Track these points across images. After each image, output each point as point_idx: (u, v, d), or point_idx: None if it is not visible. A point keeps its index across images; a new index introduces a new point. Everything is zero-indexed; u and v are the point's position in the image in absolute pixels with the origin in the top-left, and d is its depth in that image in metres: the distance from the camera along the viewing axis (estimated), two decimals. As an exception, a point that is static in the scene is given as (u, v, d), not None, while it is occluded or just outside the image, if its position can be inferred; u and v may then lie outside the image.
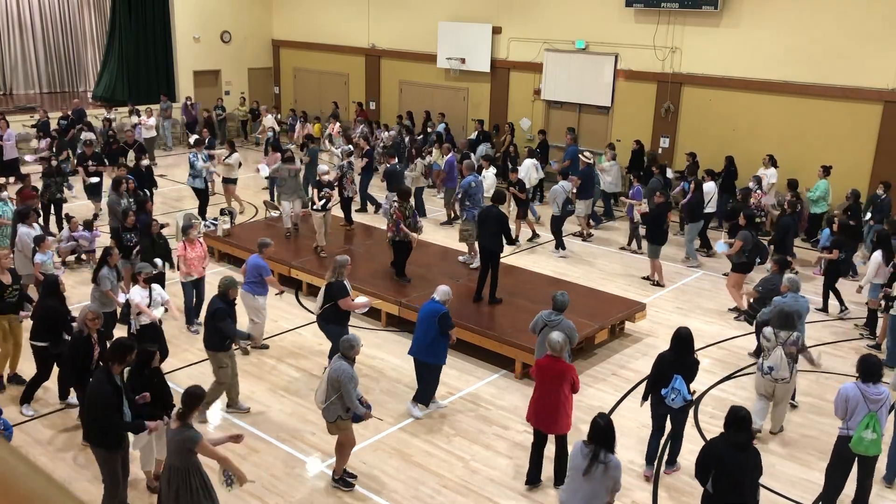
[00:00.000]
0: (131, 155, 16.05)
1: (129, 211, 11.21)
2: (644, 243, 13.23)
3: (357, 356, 7.05)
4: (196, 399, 5.93)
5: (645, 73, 17.39)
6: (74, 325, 8.21)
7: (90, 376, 7.53)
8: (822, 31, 15.00)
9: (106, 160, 15.50)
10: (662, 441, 7.65)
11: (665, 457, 7.73)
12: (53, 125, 19.74)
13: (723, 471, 5.80)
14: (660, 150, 17.35)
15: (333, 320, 8.70)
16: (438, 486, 7.33)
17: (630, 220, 14.45)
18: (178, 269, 10.32)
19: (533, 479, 7.33)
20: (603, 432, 5.72)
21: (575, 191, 14.20)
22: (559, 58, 18.61)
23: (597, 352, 10.22)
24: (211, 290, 10.11)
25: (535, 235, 14.82)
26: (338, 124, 20.40)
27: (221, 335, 8.05)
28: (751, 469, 5.78)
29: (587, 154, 15.50)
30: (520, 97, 19.69)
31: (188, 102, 22.23)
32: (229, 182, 15.55)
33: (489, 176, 14.53)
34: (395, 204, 11.10)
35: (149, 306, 8.41)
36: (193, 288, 10.36)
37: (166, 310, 8.80)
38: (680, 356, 7.25)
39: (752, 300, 9.89)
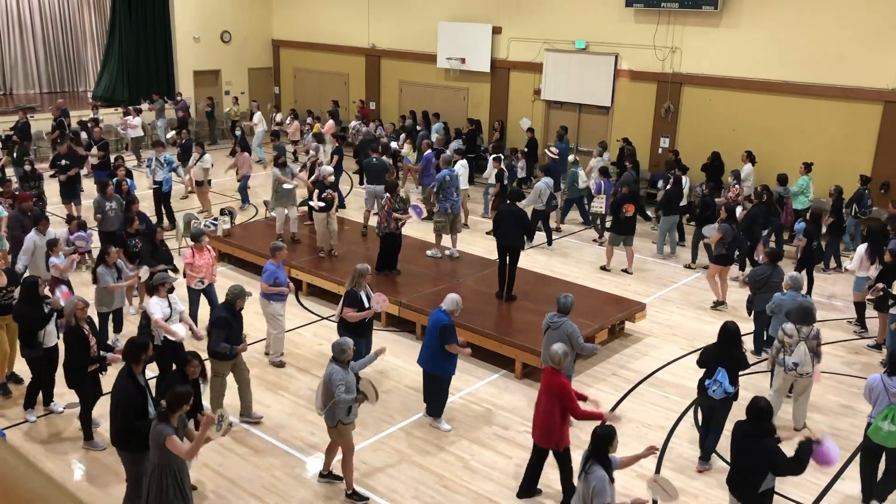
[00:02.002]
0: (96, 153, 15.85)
1: (132, 216, 10.94)
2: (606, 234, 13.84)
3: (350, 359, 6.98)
4: (179, 399, 5.75)
5: (645, 73, 17.38)
6: (61, 320, 8.19)
7: (87, 372, 7.51)
8: (822, 31, 15.00)
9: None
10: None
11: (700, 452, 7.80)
12: (39, 127, 19.55)
13: (733, 451, 6.16)
14: (660, 150, 17.36)
15: (344, 329, 8.63)
16: (438, 486, 7.33)
17: (593, 214, 15.05)
18: (185, 277, 10.03)
19: (522, 492, 7.19)
20: (596, 441, 5.64)
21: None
22: (559, 58, 18.61)
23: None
24: (222, 296, 10.11)
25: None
26: (330, 122, 20.34)
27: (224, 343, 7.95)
28: (755, 459, 5.91)
29: (553, 150, 16.16)
30: (520, 97, 19.69)
31: (178, 98, 21.95)
32: (200, 184, 15.42)
33: (460, 168, 14.74)
34: (387, 196, 11.47)
35: (169, 318, 8.17)
36: (202, 295, 10.09)
37: (191, 330, 8.53)
38: (726, 350, 7.33)
39: (750, 296, 10.04)
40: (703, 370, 7.50)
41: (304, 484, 7.35)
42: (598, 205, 14.51)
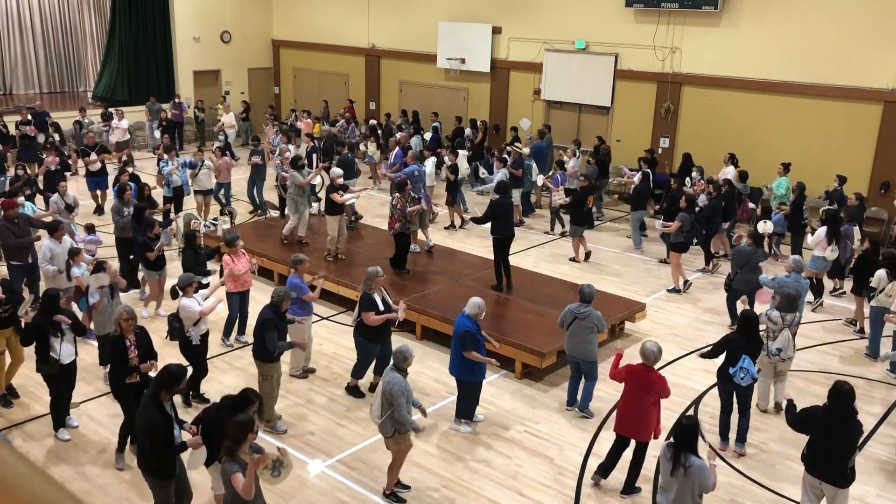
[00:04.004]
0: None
1: (153, 221, 10.74)
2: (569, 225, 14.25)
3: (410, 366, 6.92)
4: (243, 428, 5.43)
5: (645, 73, 17.38)
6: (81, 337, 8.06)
7: (128, 385, 7.23)
8: (822, 31, 15.01)
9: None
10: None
11: (735, 435, 8.05)
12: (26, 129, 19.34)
13: (818, 437, 6.27)
14: (660, 150, 17.37)
15: (360, 333, 8.60)
16: (438, 486, 7.34)
17: (550, 206, 15.58)
18: (225, 284, 9.72)
19: (604, 472, 7.37)
20: (683, 434, 5.81)
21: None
22: (559, 58, 18.61)
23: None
24: (251, 303, 10.08)
25: (463, 222, 15.51)
26: (307, 121, 20.21)
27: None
28: (850, 441, 6.14)
29: (518, 145, 16.83)
30: (520, 97, 19.69)
31: (176, 101, 21.77)
32: (203, 193, 14.84)
33: (429, 165, 15.18)
34: (397, 195, 11.61)
35: (198, 322, 8.18)
36: (241, 300, 9.94)
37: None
38: (750, 338, 7.69)
39: (730, 274, 10.62)
40: (723, 360, 7.79)
41: (304, 484, 7.35)
42: (556, 197, 15.01)
